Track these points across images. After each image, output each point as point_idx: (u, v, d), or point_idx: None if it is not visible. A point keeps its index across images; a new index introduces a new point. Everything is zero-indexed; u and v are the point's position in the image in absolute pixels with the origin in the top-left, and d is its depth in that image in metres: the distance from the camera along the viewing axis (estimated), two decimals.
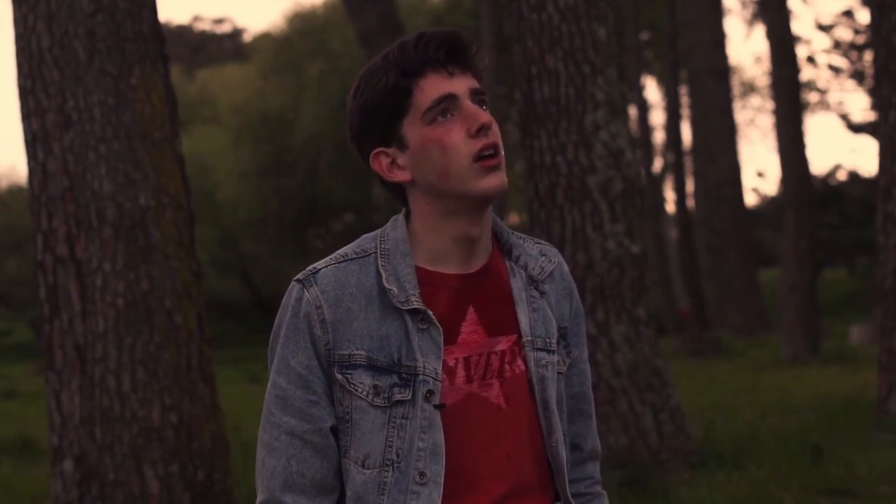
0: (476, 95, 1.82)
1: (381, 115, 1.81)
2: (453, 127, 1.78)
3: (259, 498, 1.82)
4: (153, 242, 5.82)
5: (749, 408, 10.12)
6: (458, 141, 1.78)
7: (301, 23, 35.12)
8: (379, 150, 1.83)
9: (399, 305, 1.78)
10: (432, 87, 1.78)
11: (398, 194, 1.88)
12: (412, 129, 1.80)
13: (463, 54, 1.82)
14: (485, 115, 1.80)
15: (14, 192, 34.38)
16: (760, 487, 6.16)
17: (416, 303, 1.78)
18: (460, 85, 1.80)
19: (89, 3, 5.88)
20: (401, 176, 1.83)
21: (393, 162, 1.83)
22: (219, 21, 60.66)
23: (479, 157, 1.78)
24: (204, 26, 51.57)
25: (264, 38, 37.46)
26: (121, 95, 5.85)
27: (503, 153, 1.82)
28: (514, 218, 39.38)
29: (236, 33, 51.39)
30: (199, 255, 6.26)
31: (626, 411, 6.92)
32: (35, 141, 6.13)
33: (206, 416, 5.82)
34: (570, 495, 1.90)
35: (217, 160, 33.44)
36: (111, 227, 5.81)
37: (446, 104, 1.78)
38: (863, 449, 7.22)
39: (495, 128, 1.81)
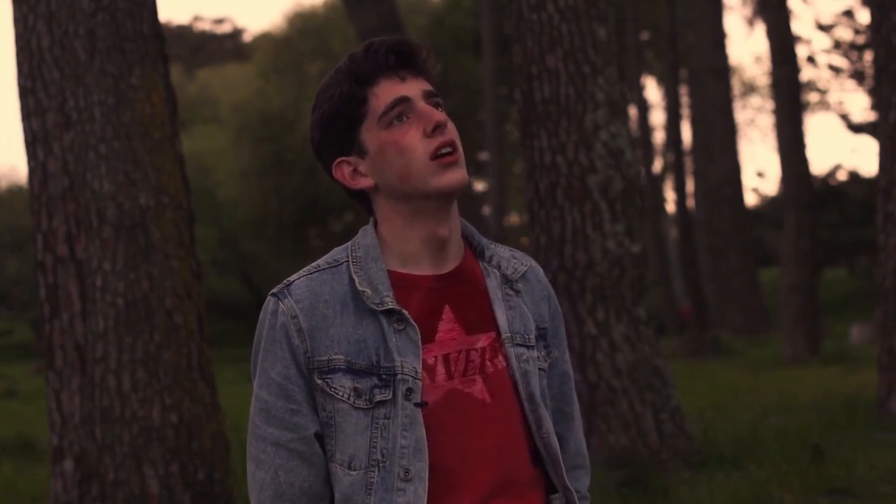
0: (430, 97, 1.85)
1: (338, 125, 1.85)
2: (409, 129, 1.82)
3: None
4: (153, 242, 5.82)
5: (749, 408, 10.12)
6: (414, 141, 1.81)
7: (301, 23, 35.14)
8: (340, 159, 1.87)
9: (374, 307, 1.80)
10: (385, 92, 1.83)
11: (363, 203, 1.91)
12: (370, 135, 1.84)
13: (413, 59, 1.86)
14: (439, 114, 1.83)
15: (14, 192, 34.39)
16: (760, 487, 6.16)
17: (391, 303, 1.80)
18: (413, 88, 1.84)
19: (89, 3, 5.88)
20: (364, 182, 1.86)
21: (355, 170, 1.87)
22: (219, 21, 60.69)
23: (437, 155, 1.81)
24: (204, 26, 51.59)
25: (264, 38, 37.50)
26: (121, 95, 5.85)
27: (461, 150, 1.85)
28: (514, 218, 39.39)
29: (236, 33, 51.43)
30: (199, 255, 6.25)
31: (626, 411, 6.92)
32: (35, 141, 6.14)
33: (206, 416, 5.82)
34: (568, 484, 1.91)
35: (217, 160, 33.45)
36: (111, 226, 5.80)
37: (401, 107, 1.82)
38: (863, 449, 7.22)
39: (451, 126, 1.84)
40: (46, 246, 6.06)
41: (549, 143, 7.16)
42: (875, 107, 20.36)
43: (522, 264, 1.96)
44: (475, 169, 33.27)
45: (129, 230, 5.80)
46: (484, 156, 31.14)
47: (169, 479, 5.67)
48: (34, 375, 21.39)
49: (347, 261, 1.86)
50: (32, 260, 6.37)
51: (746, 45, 64.86)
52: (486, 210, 28.51)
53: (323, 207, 34.30)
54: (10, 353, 30.83)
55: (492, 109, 26.89)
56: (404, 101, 1.82)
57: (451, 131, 1.83)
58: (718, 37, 23.66)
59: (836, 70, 30.21)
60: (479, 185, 36.19)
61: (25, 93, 6.18)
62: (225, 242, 34.06)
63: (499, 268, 1.93)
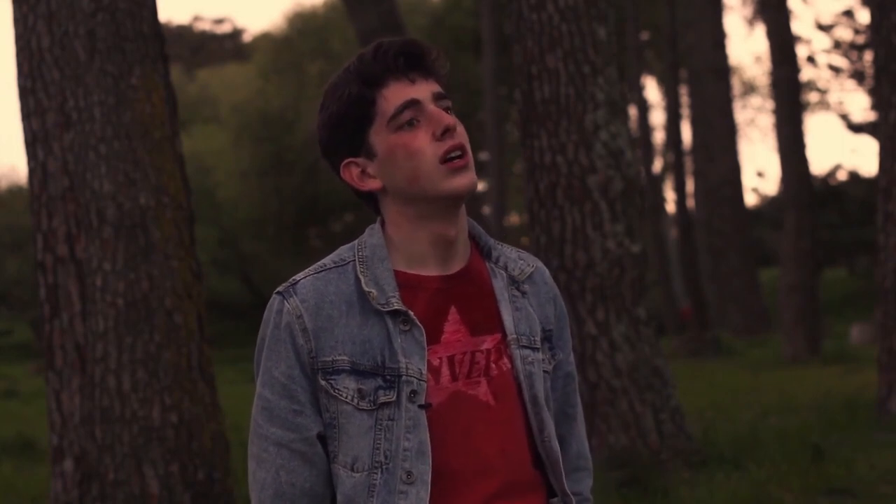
0: (439, 100, 1.84)
1: (347, 126, 1.84)
2: (419, 132, 1.81)
3: None
4: (153, 242, 5.82)
5: (749, 408, 10.12)
6: (423, 144, 1.80)
7: (301, 23, 35.15)
8: (348, 160, 1.86)
9: (379, 307, 1.79)
10: (395, 94, 1.81)
11: (371, 203, 1.90)
12: (379, 138, 1.82)
13: (422, 61, 1.84)
14: (449, 118, 1.81)
15: (14, 192, 34.39)
16: (760, 487, 6.16)
17: (397, 304, 1.79)
18: (423, 90, 1.82)
19: (89, 3, 5.88)
20: (372, 184, 1.85)
21: (363, 171, 1.85)
22: (219, 21, 60.71)
23: (446, 159, 1.80)
24: (204, 26, 51.60)
25: (264, 38, 37.51)
26: (121, 95, 5.86)
27: (471, 153, 1.84)
28: (514, 218, 39.39)
29: (236, 33, 51.44)
30: (199, 255, 6.25)
31: (626, 411, 6.92)
32: (35, 141, 6.14)
33: (206, 416, 5.83)
34: (567, 489, 1.90)
35: (217, 160, 33.46)
36: (111, 226, 5.81)
37: (410, 110, 1.81)
38: (863, 449, 7.22)
39: (461, 129, 1.83)
40: (46, 246, 6.06)
41: (549, 143, 7.16)
42: (875, 107, 20.36)
43: (529, 265, 1.95)
44: (475, 169, 33.22)
45: (129, 230, 5.80)
46: (484, 156, 31.14)
47: (169, 479, 5.67)
48: (34, 375, 21.38)
49: (354, 260, 1.85)
50: (32, 260, 6.37)
51: (746, 45, 64.99)
52: (486, 210, 28.51)
53: (323, 207, 34.30)
54: (10, 353, 30.84)
55: (492, 109, 26.90)
56: (414, 103, 1.80)
57: (461, 135, 1.82)
58: (718, 37, 23.67)
59: (836, 70, 30.22)
60: (480, 185, 36.12)
61: (25, 93, 6.18)
62: (225, 242, 34.07)
63: (505, 269, 1.92)
